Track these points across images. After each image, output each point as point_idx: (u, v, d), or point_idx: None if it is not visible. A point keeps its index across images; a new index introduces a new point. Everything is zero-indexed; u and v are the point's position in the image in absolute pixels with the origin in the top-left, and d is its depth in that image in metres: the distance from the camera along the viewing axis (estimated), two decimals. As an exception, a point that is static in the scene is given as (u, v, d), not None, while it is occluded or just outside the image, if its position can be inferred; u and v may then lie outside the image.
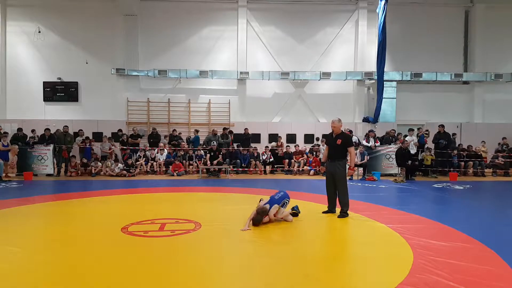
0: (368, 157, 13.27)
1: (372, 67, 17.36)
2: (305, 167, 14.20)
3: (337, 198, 6.90)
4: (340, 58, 18.24)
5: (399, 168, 13.09)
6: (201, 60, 17.75)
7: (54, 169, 13.37)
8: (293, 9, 18.01)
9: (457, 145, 15.13)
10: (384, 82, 16.82)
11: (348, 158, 7.01)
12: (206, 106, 17.78)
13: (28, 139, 13.81)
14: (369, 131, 14.67)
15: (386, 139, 14.59)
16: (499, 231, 5.96)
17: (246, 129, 15.95)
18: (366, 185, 11.39)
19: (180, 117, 17.57)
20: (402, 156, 12.73)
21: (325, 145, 7.23)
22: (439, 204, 8.75)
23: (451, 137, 14.92)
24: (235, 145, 15.24)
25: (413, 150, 13.55)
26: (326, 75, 17.44)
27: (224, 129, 15.24)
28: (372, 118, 17.43)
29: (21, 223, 6.27)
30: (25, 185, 10.92)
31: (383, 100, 16.87)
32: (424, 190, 10.57)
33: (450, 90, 18.66)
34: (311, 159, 14.34)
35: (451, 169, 13.79)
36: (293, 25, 18.02)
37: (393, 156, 13.36)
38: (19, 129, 14.26)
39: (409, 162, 12.66)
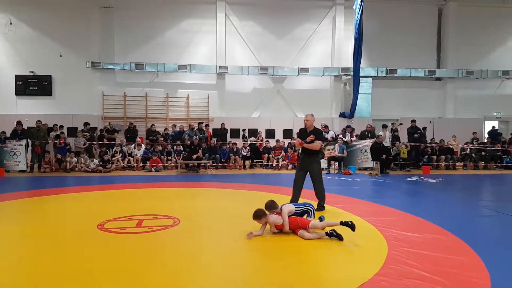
0: (346, 151, 13.51)
1: (349, 63, 17.61)
2: (283, 162, 14.33)
3: (314, 192, 7.01)
4: (318, 54, 18.42)
5: (374, 162, 13.39)
6: (179, 54, 17.56)
7: (27, 165, 12.99)
8: (271, 4, 18.03)
9: (429, 139, 15.59)
10: (360, 78, 17.09)
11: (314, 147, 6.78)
12: (185, 101, 17.63)
13: (-1, 134, 13.38)
14: (346, 126, 14.92)
15: (362, 135, 14.86)
16: (470, 222, 6.22)
17: (222, 124, 15.93)
18: (342, 178, 11.61)
19: (158, 111, 17.37)
20: (377, 150, 13.03)
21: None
22: (413, 196, 9.02)
23: (422, 130, 15.42)
24: (214, 140, 15.20)
25: (386, 143, 13.87)
26: (304, 70, 17.58)
27: (200, 123, 15.16)
28: (349, 113, 17.72)
29: (-7, 221, 6.08)
30: (-4, 182, 10.60)
31: (359, 95, 17.15)
32: (398, 183, 10.86)
33: (423, 86, 19.18)
34: (290, 154, 14.48)
35: (424, 162, 14.21)
36: (272, 20, 18.05)
37: (369, 151, 13.65)
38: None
39: (384, 156, 12.97)
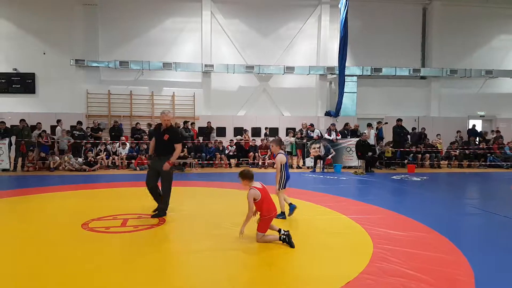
0: (333, 150, 13.55)
1: (334, 62, 17.71)
2: (269, 160, 14.32)
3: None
4: (303, 52, 18.48)
5: (359, 161, 13.50)
6: (164, 52, 17.40)
7: (10, 163, 12.72)
8: (257, 2, 18.00)
9: (422, 139, 15.77)
10: (346, 77, 17.20)
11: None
12: (170, 99, 17.48)
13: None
14: (331, 125, 15.02)
15: (342, 133, 14.95)
16: (454, 220, 6.32)
17: (208, 122, 15.85)
18: (328, 177, 11.68)
19: (143, 110, 17.19)
20: (362, 148, 13.14)
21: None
22: (397, 195, 9.12)
23: (422, 131, 15.92)
24: (200, 138, 15.11)
25: (371, 142, 14.01)
26: (289, 69, 17.62)
27: (185, 122, 15.05)
28: (334, 112, 17.84)
29: (-27, 222, 5.94)
30: (-23, 182, 10.35)
31: (344, 94, 17.26)
32: (383, 181, 10.97)
33: (408, 84, 19.42)
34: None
35: (409, 161, 14.39)
36: (257, 18, 18.02)
37: (354, 149, 13.75)
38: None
39: (369, 154, 13.09)
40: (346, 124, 15.51)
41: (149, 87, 17.43)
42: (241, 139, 15.29)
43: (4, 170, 12.48)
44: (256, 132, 17.44)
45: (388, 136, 15.49)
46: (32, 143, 13.01)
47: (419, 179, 11.33)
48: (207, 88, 17.78)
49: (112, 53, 16.93)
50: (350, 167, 13.99)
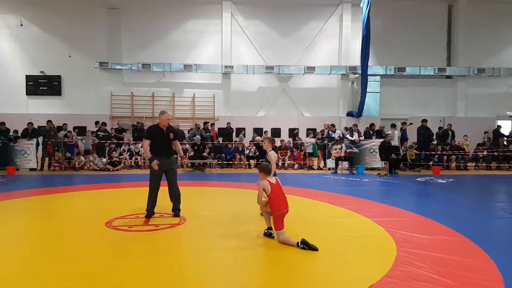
0: (354, 149, 13.32)
1: (356, 61, 17.46)
2: (289, 161, 14.23)
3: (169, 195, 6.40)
4: (325, 52, 18.30)
5: (383, 162, 13.25)
6: (185, 53, 17.59)
7: (37, 163, 13.12)
8: (277, 3, 17.95)
9: (449, 140, 15.31)
10: (368, 77, 16.93)
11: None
12: (191, 100, 17.65)
13: (11, 133, 13.51)
14: (353, 125, 14.79)
15: (366, 134, 14.72)
16: (481, 224, 6.08)
17: (228, 123, 15.91)
18: (350, 179, 11.50)
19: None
20: (386, 149, 12.88)
21: (147, 140, 6.15)
22: (422, 197, 8.90)
23: (449, 127, 15.46)
24: (220, 139, 15.18)
25: (395, 143, 13.74)
26: (310, 69, 17.48)
27: (205, 123, 15.15)
28: (356, 112, 17.57)
29: (3, 218, 6.15)
30: (8, 180, 10.71)
31: (367, 94, 17.00)
32: (407, 183, 10.71)
33: (433, 84, 18.94)
34: (296, 153, 14.37)
35: (434, 162, 14.02)
36: (277, 19, 17.97)
37: (377, 150, 13.51)
38: (1, 123, 13.88)
39: (393, 155, 12.83)
40: (372, 125, 15.25)
41: (170, 89, 17.65)
42: (260, 140, 15.25)
43: (31, 169, 12.88)
44: (275, 132, 17.38)
45: (412, 137, 15.14)
46: (58, 144, 13.37)
47: (444, 181, 11.02)
48: (226, 89, 17.86)
49: (135, 56, 17.23)
50: (373, 169, 13.74)
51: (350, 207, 7.00)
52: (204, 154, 13.51)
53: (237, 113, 17.71)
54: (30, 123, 13.61)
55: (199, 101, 17.59)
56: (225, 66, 17.28)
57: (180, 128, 15.01)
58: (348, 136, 14.14)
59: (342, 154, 13.15)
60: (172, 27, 17.61)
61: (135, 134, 14.98)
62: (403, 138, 14.83)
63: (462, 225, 5.71)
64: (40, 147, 13.42)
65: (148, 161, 6.22)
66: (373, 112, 17.74)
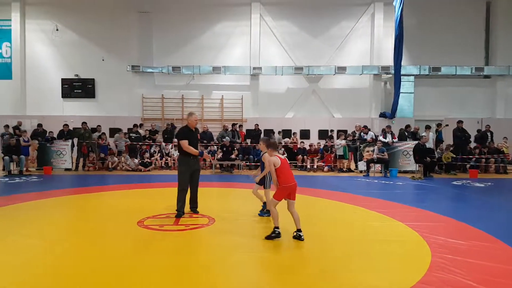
0: (385, 153, 12.99)
1: (389, 61, 17.06)
2: (319, 163, 14.01)
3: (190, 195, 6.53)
4: (356, 52, 17.98)
5: (417, 165, 12.84)
6: (214, 56, 17.76)
7: (72, 163, 13.59)
8: (307, 3, 17.82)
9: (488, 142, 14.64)
10: (402, 77, 16.51)
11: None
12: (219, 102, 17.80)
13: (47, 134, 14.07)
14: (386, 127, 14.42)
15: (401, 135, 14.30)
16: (521, 229, 5.76)
17: (256, 125, 15.91)
18: (383, 182, 11.19)
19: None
20: (420, 152, 12.46)
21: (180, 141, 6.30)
22: (458, 201, 8.54)
23: (487, 128, 14.83)
24: (248, 140, 15.18)
25: (430, 145, 13.27)
26: (341, 69, 17.21)
27: (233, 125, 15.21)
28: (389, 113, 17.15)
29: (40, 216, 6.42)
30: (44, 179, 11.12)
31: (401, 94, 16.59)
32: (443, 187, 10.32)
33: (470, 84, 18.19)
34: (325, 156, 14.13)
35: (471, 165, 13.43)
36: (307, 19, 17.83)
37: (411, 153, 13.10)
38: (39, 125, 14.56)
39: (427, 158, 12.39)
40: (407, 126, 14.84)
41: (199, 91, 17.88)
42: (289, 142, 15.14)
43: (67, 169, 13.34)
44: (304, 134, 17.21)
45: (448, 139, 14.59)
46: (92, 145, 13.81)
47: (482, 185, 10.52)
48: (255, 90, 17.88)
49: (165, 59, 17.57)
50: (407, 172, 13.33)
51: (383, 211, 6.83)
52: (232, 156, 13.55)
53: (265, 115, 17.69)
54: (66, 125, 14.12)
55: (227, 103, 17.71)
56: (254, 68, 17.31)
57: (208, 130, 15.14)
58: (381, 138, 13.79)
59: (375, 157, 12.83)
60: (202, 30, 17.84)
61: (165, 136, 15.24)
62: (438, 140, 14.32)
63: (501, 231, 5.44)
64: (75, 148, 13.88)
65: (184, 159, 6.31)
66: (406, 113, 17.25)
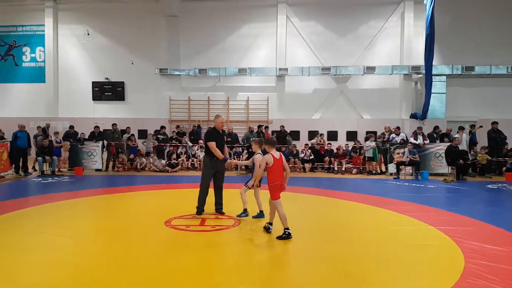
0: (416, 156, 12.59)
1: (420, 61, 16.56)
2: (347, 165, 13.75)
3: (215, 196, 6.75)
4: (385, 52, 17.56)
5: (449, 167, 12.39)
6: (239, 57, 17.80)
7: (102, 164, 13.95)
8: (334, 3, 17.56)
9: None
10: (433, 77, 15.99)
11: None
12: (245, 104, 17.82)
13: (79, 136, 14.52)
14: (417, 128, 14.01)
15: (431, 137, 13.84)
16: None
17: (282, 126, 15.82)
18: (414, 185, 10.86)
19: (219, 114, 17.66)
20: (453, 154, 12.02)
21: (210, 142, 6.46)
22: (493, 206, 8.18)
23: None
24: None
25: (463, 147, 12.78)
26: (370, 69, 16.86)
27: (259, 126, 15.17)
28: (420, 114, 16.65)
29: (72, 215, 6.65)
30: (76, 179, 11.49)
31: (432, 95, 16.05)
32: (477, 190, 9.93)
33: (506, 84, 17.37)
34: (354, 157, 13.87)
35: (508, 167, 12.82)
36: (334, 19, 17.58)
37: (443, 155, 12.66)
38: (71, 127, 15.06)
39: (460, 160, 11.93)
40: (436, 128, 14.37)
41: (225, 93, 17.97)
42: (316, 143, 14.96)
43: (97, 170, 13.71)
44: (332, 135, 16.95)
45: (482, 141, 14.00)
46: (121, 146, 14.14)
47: (520, 189, 10.03)
48: (281, 91, 17.78)
49: (192, 61, 17.76)
50: (438, 174, 12.89)
51: (414, 214, 6.66)
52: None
53: (292, 116, 17.56)
54: (97, 127, 14.54)
55: (253, 104, 17.71)
56: (280, 69, 17.23)
57: (233, 131, 15.17)
58: (412, 139, 13.40)
59: (405, 159, 12.48)
60: (228, 32, 17.93)
61: (192, 137, 15.42)
62: (472, 142, 13.78)
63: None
64: (105, 149, 14.25)
65: (210, 161, 6.51)
66: (438, 114, 16.69)
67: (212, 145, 6.34)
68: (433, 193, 9.52)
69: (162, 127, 15.60)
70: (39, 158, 12.40)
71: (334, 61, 17.29)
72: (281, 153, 5.45)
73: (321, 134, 15.63)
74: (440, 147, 13.08)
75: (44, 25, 18.26)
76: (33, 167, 13.03)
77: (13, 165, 12.11)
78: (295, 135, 16.86)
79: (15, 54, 18.65)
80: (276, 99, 17.75)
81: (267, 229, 5.44)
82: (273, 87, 17.80)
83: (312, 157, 14.15)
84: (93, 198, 8.49)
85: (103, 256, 4.52)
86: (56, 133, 14.30)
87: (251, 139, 13.79)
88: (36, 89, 18.47)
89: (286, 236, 5.06)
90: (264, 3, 17.71)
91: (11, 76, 18.65)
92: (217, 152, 6.34)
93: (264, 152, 5.58)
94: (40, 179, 11.42)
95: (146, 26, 18.00)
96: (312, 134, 16.52)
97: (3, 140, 12.05)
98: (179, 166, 13.94)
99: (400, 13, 17.40)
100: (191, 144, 14.86)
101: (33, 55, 18.57)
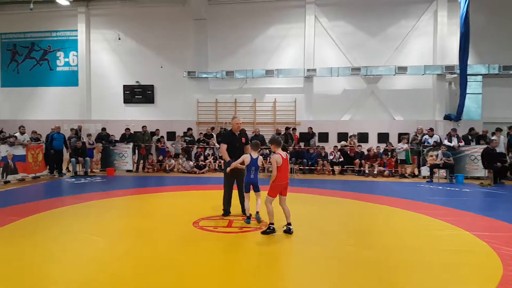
0: (451, 159, 12.11)
1: (454, 60, 15.96)
2: (378, 168, 13.38)
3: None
4: (417, 51, 17.02)
5: (486, 171, 11.84)
6: (266, 59, 17.73)
7: (133, 165, 14.23)
8: (364, 2, 17.21)
9: None
10: (468, 76, 15.36)
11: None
12: (272, 105, 17.73)
13: (110, 137, 14.88)
14: (451, 130, 13.49)
15: (465, 139, 13.28)
16: None
17: (310, 128, 15.60)
18: (448, 188, 10.45)
19: (246, 116, 17.69)
20: (490, 157, 11.48)
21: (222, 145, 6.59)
22: (536, 211, 7.71)
23: None
24: (301, 144, 14.94)
25: (500, 149, 12.19)
26: (401, 69, 16.39)
27: (287, 128, 15.03)
28: (455, 116, 16.03)
29: (103, 214, 6.83)
30: (107, 180, 11.79)
31: (467, 95, 15.41)
32: (517, 195, 9.42)
33: (547, 83, 16.50)
34: (386, 160, 13.50)
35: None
36: (364, 19, 17.21)
37: (479, 158, 12.12)
38: (103, 129, 15.46)
39: (498, 163, 11.38)
40: (471, 129, 13.79)
41: (252, 95, 17.95)
42: (345, 145, 14.68)
43: (128, 171, 14.00)
44: (363, 137, 16.57)
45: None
46: (150, 147, 14.37)
47: None
48: (309, 92, 17.57)
49: (219, 64, 17.86)
50: (474, 178, 12.36)
51: (448, 219, 6.40)
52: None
53: (320, 117, 17.31)
54: (127, 129, 14.86)
55: (280, 106, 17.60)
56: (308, 70, 17.03)
57: (260, 133, 15.12)
58: (446, 141, 12.91)
59: (439, 162, 12.03)
60: (255, 34, 17.92)
61: (219, 139, 15.47)
62: (510, 144, 13.13)
63: None
64: (136, 151, 14.53)
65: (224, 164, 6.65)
66: (474, 115, 16.02)
67: (222, 147, 6.50)
68: (469, 197, 9.13)
69: (189, 129, 15.76)
70: (73, 159, 12.79)
71: (364, 61, 16.93)
72: (287, 153, 5.57)
73: (354, 136, 15.35)
74: (476, 150, 12.55)
75: (77, 30, 18.90)
76: (67, 168, 13.45)
77: (48, 166, 12.52)
78: (324, 137, 16.63)
79: (49, 59, 19.39)
80: (304, 100, 17.56)
81: (288, 231, 5.41)
82: (301, 88, 17.62)
83: (341, 159, 13.87)
84: (123, 198, 8.66)
85: (132, 254, 4.61)
86: (89, 135, 14.73)
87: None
88: (69, 92, 19.12)
89: (270, 231, 5.36)
90: (291, 3, 17.59)
91: (46, 80, 19.41)
92: (225, 155, 6.50)
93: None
94: (73, 179, 11.77)
95: (174, 30, 18.27)
96: (342, 136, 16.23)
97: (39, 142, 12.49)
98: (207, 168, 14.03)
99: (433, 12, 16.84)
100: (218, 145, 14.92)
101: (66, 59, 19.25)
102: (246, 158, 6.10)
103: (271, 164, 5.52)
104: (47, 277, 3.92)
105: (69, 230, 5.68)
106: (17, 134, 11.88)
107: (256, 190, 6.18)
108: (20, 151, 11.30)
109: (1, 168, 10.54)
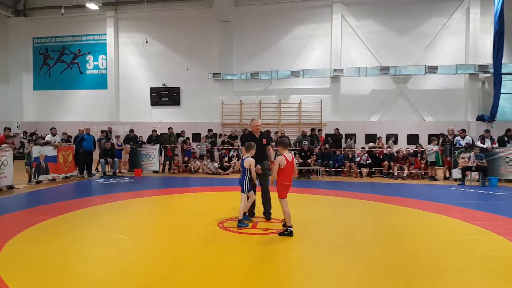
0: (484, 161, 11.61)
1: (487, 59, 15.35)
2: (408, 170, 12.96)
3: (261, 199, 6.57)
4: (448, 50, 16.45)
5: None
6: (292, 60, 17.61)
7: (159, 166, 14.44)
8: (392, 1, 16.82)
9: None
10: (502, 76, 14.76)
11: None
12: (297, 106, 17.58)
13: (138, 139, 15.16)
14: (485, 131, 12.95)
15: (501, 141, 12.70)
16: None
17: (336, 129, 15.37)
18: (480, 191, 10.02)
19: (271, 117, 17.63)
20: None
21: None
22: None
23: None
24: (327, 145, 14.72)
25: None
26: (432, 69, 15.89)
27: (312, 129, 14.84)
28: (488, 116, 15.40)
29: (130, 214, 6.98)
30: (135, 180, 12.00)
31: (502, 95, 14.82)
32: (558, 199, 8.92)
33: None
34: (413, 161, 13.11)
35: None
36: (393, 17, 16.81)
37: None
38: (131, 130, 15.79)
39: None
40: (508, 130, 13.21)
41: (276, 96, 17.86)
42: (374, 147, 14.35)
43: (155, 171, 14.21)
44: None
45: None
46: (175, 149, 14.54)
47: None
48: (335, 93, 17.31)
49: (244, 65, 17.88)
50: (509, 181, 11.82)
51: (481, 223, 6.16)
52: (309, 161, 13.21)
53: (347, 118, 17.02)
54: (154, 130, 15.12)
55: (305, 107, 17.42)
56: (334, 70, 16.79)
57: (285, 134, 15.01)
58: (478, 143, 12.40)
59: (471, 164, 11.56)
60: (280, 34, 17.84)
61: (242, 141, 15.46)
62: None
63: None
64: (163, 152, 14.75)
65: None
66: (509, 116, 15.35)
67: (243, 150, 6.43)
68: (503, 200, 8.74)
69: (209, 130, 15.86)
70: (102, 160, 13.10)
71: (393, 61, 16.52)
72: (292, 156, 5.56)
73: (379, 137, 15.00)
74: (511, 152, 11.99)
75: (106, 34, 19.42)
76: (96, 169, 13.79)
77: (78, 167, 12.86)
78: (351, 138, 16.31)
79: (79, 62, 20.01)
80: (330, 101, 17.32)
81: (287, 233, 5.41)
82: (327, 88, 17.38)
83: (369, 161, 13.57)
84: (150, 198, 8.80)
85: (158, 253, 4.67)
86: (118, 137, 15.08)
87: (303, 142, 13.57)
88: (98, 95, 19.65)
89: (288, 233, 5.34)
90: (317, 3, 17.40)
91: (76, 83, 20.03)
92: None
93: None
94: (102, 179, 12.05)
95: (200, 32, 18.45)
96: (370, 137, 15.90)
97: (69, 143, 12.86)
98: (231, 169, 14.05)
99: (465, 9, 16.26)
100: (241, 147, 14.91)
101: (96, 63, 19.79)
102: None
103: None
104: (76, 275, 3.99)
105: (97, 229, 5.81)
106: (49, 135, 12.27)
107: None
108: (51, 151, 11.65)
109: (34, 169, 10.90)
